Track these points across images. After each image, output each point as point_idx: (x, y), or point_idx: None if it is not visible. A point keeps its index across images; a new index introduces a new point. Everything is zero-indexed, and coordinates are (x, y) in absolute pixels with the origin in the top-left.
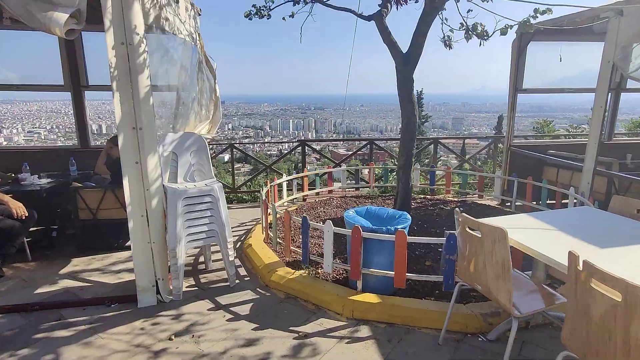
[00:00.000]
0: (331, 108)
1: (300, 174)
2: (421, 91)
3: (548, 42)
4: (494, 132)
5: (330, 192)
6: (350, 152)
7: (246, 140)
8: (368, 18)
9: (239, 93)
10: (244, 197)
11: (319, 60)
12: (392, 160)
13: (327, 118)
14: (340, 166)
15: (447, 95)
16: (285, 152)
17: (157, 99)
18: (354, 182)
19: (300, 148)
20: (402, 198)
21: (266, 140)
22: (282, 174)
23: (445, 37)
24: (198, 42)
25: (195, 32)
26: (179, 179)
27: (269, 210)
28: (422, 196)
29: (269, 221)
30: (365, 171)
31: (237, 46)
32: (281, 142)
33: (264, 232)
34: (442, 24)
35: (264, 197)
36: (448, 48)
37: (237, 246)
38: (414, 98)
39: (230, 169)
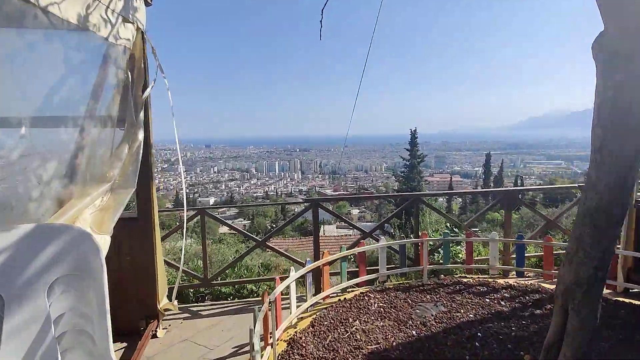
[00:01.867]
0: (316, 149)
1: (320, 262)
2: (415, 130)
3: None
4: (482, 170)
5: (362, 285)
6: (336, 193)
7: (231, 183)
8: None
9: (224, 136)
10: (223, 290)
11: (303, 103)
12: (432, 217)
13: (313, 159)
14: (378, 240)
15: (426, 134)
16: (272, 193)
17: None
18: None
19: (311, 210)
20: (574, 350)
21: (253, 182)
22: (292, 263)
23: None
24: (123, 40)
25: (116, 21)
26: None
27: None
28: (495, 282)
29: None
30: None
31: (222, 92)
32: (286, 204)
33: None
34: None
35: (257, 342)
36: None
37: None
38: None
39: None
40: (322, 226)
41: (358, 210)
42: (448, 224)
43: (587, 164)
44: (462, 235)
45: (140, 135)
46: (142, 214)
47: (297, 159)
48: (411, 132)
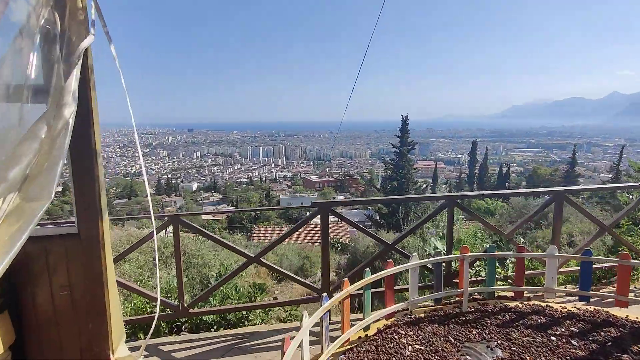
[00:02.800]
0: (301, 135)
1: (342, 295)
2: (407, 116)
3: None
4: (466, 157)
5: (390, 316)
6: (322, 179)
7: (215, 168)
8: None
9: (208, 120)
10: (206, 319)
11: (290, 87)
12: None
13: (297, 145)
14: (410, 256)
15: (412, 121)
16: (257, 179)
17: None
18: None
19: (319, 217)
20: None
21: (236, 167)
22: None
23: None
24: None
25: None
26: None
27: None
28: (551, 307)
29: None
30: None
31: (206, 73)
32: (291, 208)
33: None
34: None
35: None
36: None
37: None
38: None
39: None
40: (307, 213)
41: (342, 197)
42: (490, 233)
43: (566, 152)
44: (506, 247)
45: (67, 111)
46: (85, 227)
47: (282, 145)
48: (402, 118)
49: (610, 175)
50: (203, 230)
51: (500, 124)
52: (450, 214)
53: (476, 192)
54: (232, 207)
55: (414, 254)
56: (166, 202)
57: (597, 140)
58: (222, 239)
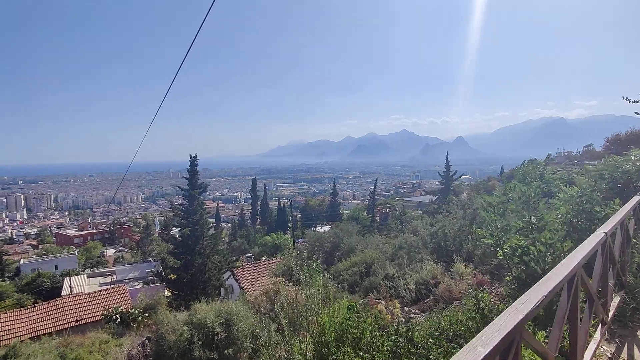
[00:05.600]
0: (49, 180)
1: None
2: (195, 156)
3: None
4: (242, 194)
5: None
6: (83, 232)
7: None
8: None
9: None
10: None
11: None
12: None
13: (45, 193)
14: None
15: (184, 162)
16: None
17: None
18: None
19: None
20: None
21: None
22: None
23: None
24: None
25: None
26: None
27: None
28: None
29: None
30: None
31: None
32: None
33: None
34: None
35: None
36: None
37: None
38: None
39: None
40: (65, 280)
41: (114, 251)
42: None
43: (322, 184)
44: None
45: None
46: None
47: (21, 194)
48: (191, 158)
49: (358, 202)
50: None
51: (269, 162)
52: None
53: None
54: None
55: None
56: None
57: (341, 174)
58: None
